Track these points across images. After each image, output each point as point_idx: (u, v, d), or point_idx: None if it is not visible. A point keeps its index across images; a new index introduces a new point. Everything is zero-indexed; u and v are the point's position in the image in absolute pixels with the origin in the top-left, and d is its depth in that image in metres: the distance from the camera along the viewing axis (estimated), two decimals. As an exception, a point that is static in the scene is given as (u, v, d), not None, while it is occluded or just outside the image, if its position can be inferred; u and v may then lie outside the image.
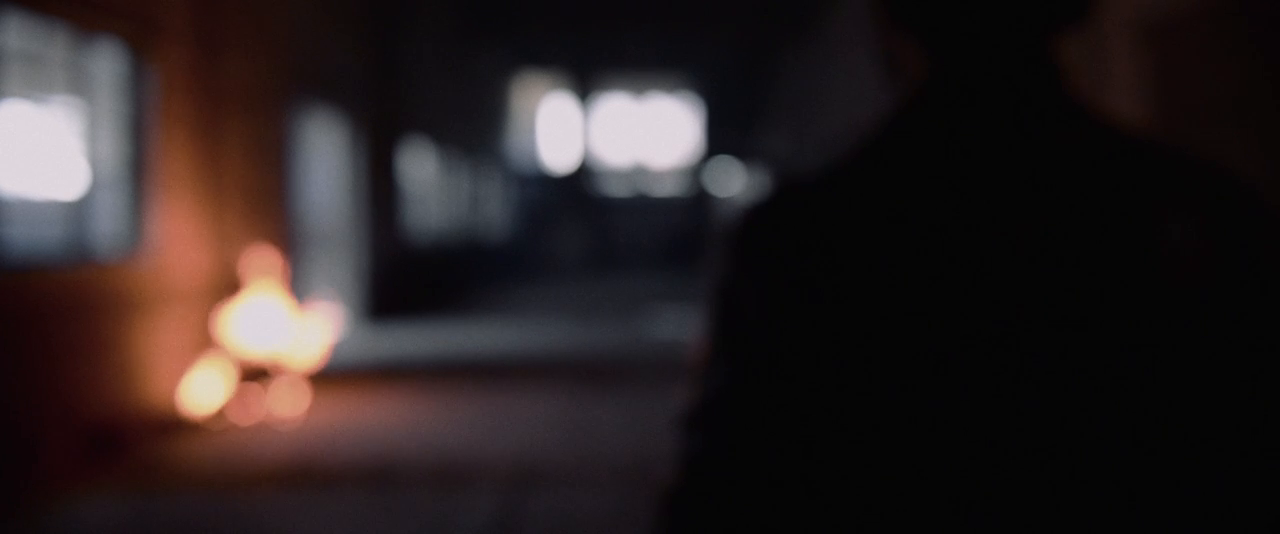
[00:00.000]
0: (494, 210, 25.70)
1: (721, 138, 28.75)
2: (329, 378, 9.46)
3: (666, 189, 32.10)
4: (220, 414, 7.98)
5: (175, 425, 7.58)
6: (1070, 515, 0.91)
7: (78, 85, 7.10)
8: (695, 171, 29.71)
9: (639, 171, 32.59)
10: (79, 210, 7.11)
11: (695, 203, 29.99)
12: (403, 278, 15.30)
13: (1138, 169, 0.96)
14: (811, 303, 0.94)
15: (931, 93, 1.00)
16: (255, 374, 8.32)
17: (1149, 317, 0.91)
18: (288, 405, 8.25)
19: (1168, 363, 0.92)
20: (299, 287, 10.96)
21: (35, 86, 6.83)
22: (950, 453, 0.92)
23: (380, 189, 14.16)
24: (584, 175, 28.13)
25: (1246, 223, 0.95)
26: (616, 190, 31.59)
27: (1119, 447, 0.92)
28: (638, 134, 32.81)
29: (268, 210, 10.00)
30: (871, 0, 1.06)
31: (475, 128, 22.44)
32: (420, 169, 17.23)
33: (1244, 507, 0.93)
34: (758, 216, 1.00)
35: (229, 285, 8.74)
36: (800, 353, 0.95)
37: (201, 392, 8.04)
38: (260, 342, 8.49)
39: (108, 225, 7.43)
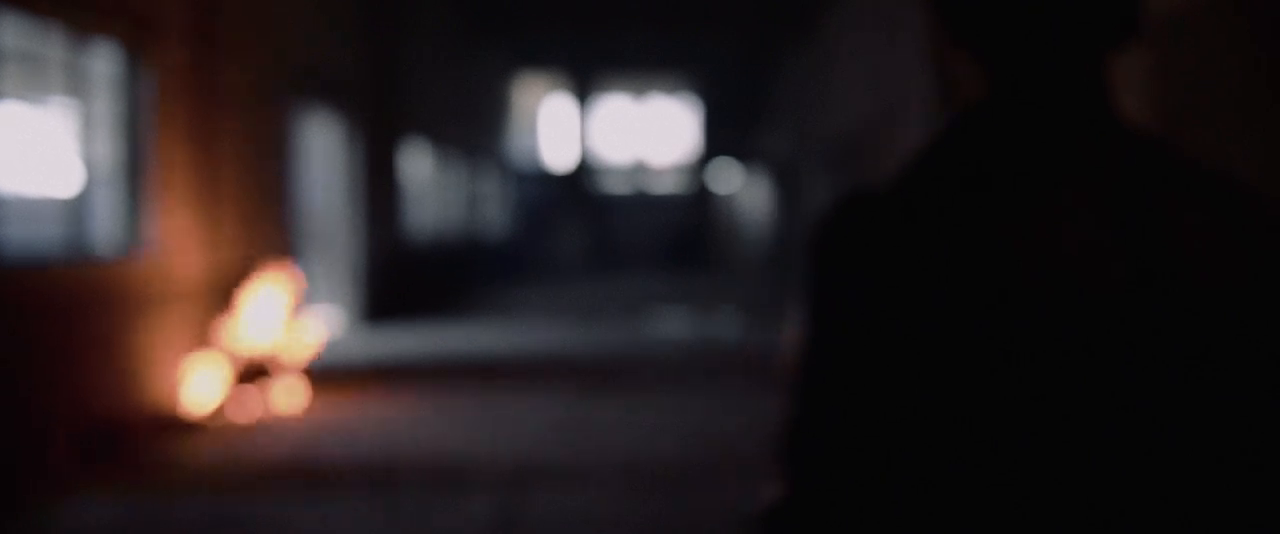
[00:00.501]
0: (493, 210, 25.68)
1: (721, 138, 28.74)
2: (328, 378, 9.45)
3: (666, 188, 32.09)
4: (219, 413, 7.98)
5: (174, 424, 7.57)
6: (1132, 508, 0.97)
7: (75, 85, 7.09)
8: (695, 171, 29.69)
9: (639, 171, 32.57)
10: (76, 209, 7.10)
11: (695, 202, 29.98)
12: (401, 278, 15.29)
13: (1182, 183, 1.01)
14: (896, 302, 0.99)
15: (994, 110, 1.05)
16: (253, 373, 8.31)
17: (1200, 324, 0.98)
18: (286, 404, 8.24)
19: (1215, 367, 0.99)
20: (297, 286, 10.94)
21: (33, 87, 6.81)
22: (1033, 452, 0.97)
23: (379, 189, 14.16)
24: (584, 175, 28.12)
25: (1263, 226, 1.01)
26: (616, 190, 31.58)
27: (1173, 447, 0.98)
28: (638, 134, 32.81)
29: (265, 210, 9.99)
30: (931, 21, 1.11)
31: (475, 128, 22.43)
32: (419, 169, 17.22)
33: (1266, 503, 1.00)
34: (842, 221, 1.04)
35: (227, 284, 8.73)
36: (892, 360, 1.00)
37: (200, 390, 8.02)
38: (258, 340, 8.48)
39: (105, 224, 7.42)
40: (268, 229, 10.00)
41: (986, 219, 0.99)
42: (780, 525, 1.02)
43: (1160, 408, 0.98)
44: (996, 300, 0.97)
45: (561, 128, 30.14)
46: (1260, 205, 1.03)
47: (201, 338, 8.34)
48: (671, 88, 32.41)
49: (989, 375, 0.97)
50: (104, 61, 7.38)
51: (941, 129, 1.08)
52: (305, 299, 12.40)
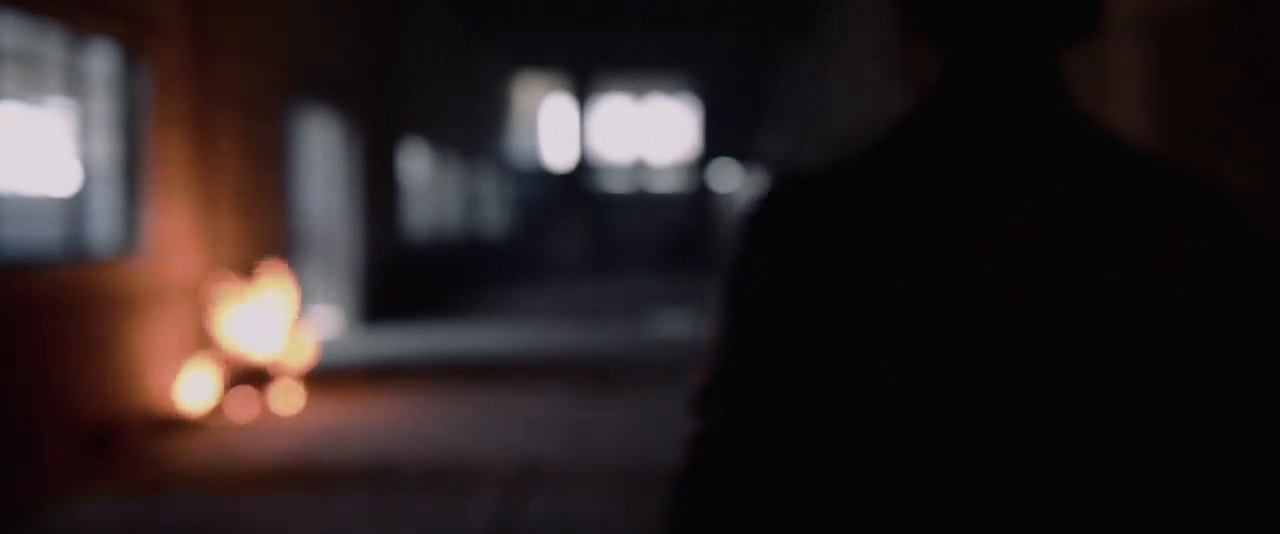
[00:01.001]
0: (492, 211, 25.65)
1: (721, 138, 28.71)
2: (327, 378, 9.42)
3: (666, 188, 32.02)
4: (216, 413, 7.95)
5: (171, 424, 7.54)
6: (1060, 507, 0.95)
7: (73, 85, 7.07)
8: (695, 171, 29.65)
9: (639, 171, 32.52)
10: (74, 209, 7.08)
11: (695, 203, 29.94)
12: (400, 279, 15.26)
13: (1135, 179, 0.99)
14: (818, 290, 0.97)
15: (942, 98, 1.03)
16: (251, 373, 8.28)
17: (1144, 323, 0.95)
18: (283, 405, 8.21)
19: (1160, 367, 0.95)
20: (295, 287, 10.93)
21: (31, 87, 6.79)
22: (948, 443, 0.95)
23: (378, 189, 14.13)
24: (583, 176, 28.07)
25: (1237, 235, 0.98)
26: (616, 191, 31.52)
27: (1112, 447, 0.95)
28: (638, 134, 32.77)
29: (263, 210, 9.97)
30: (893, 8, 1.10)
31: (474, 128, 22.40)
32: (418, 169, 17.20)
33: (1235, 507, 0.96)
34: (771, 204, 1.03)
35: (225, 284, 8.70)
36: (805, 339, 0.98)
37: (197, 390, 8.00)
38: (256, 341, 8.46)
39: (103, 224, 7.40)
40: (265, 230, 9.98)
41: (919, 210, 0.97)
42: (689, 483, 1.01)
43: (1095, 408, 0.95)
44: (926, 285, 0.95)
45: (561, 128, 30.10)
46: (1224, 203, 1.00)
47: (199, 338, 8.32)
48: (671, 88, 32.37)
49: (906, 371, 0.95)
50: (101, 61, 7.36)
51: (895, 116, 1.06)
52: (303, 299, 12.38)
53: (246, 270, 8.91)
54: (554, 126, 30.89)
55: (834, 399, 0.98)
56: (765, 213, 1.03)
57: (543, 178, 30.15)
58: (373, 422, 7.71)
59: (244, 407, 8.08)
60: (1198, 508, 0.97)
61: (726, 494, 0.99)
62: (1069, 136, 1.00)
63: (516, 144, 29.44)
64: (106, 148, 7.47)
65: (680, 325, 14.25)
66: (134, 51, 7.56)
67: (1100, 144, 1.01)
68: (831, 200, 1.00)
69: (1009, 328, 0.95)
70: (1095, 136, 1.01)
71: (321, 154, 12.93)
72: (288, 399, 8.38)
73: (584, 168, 28.18)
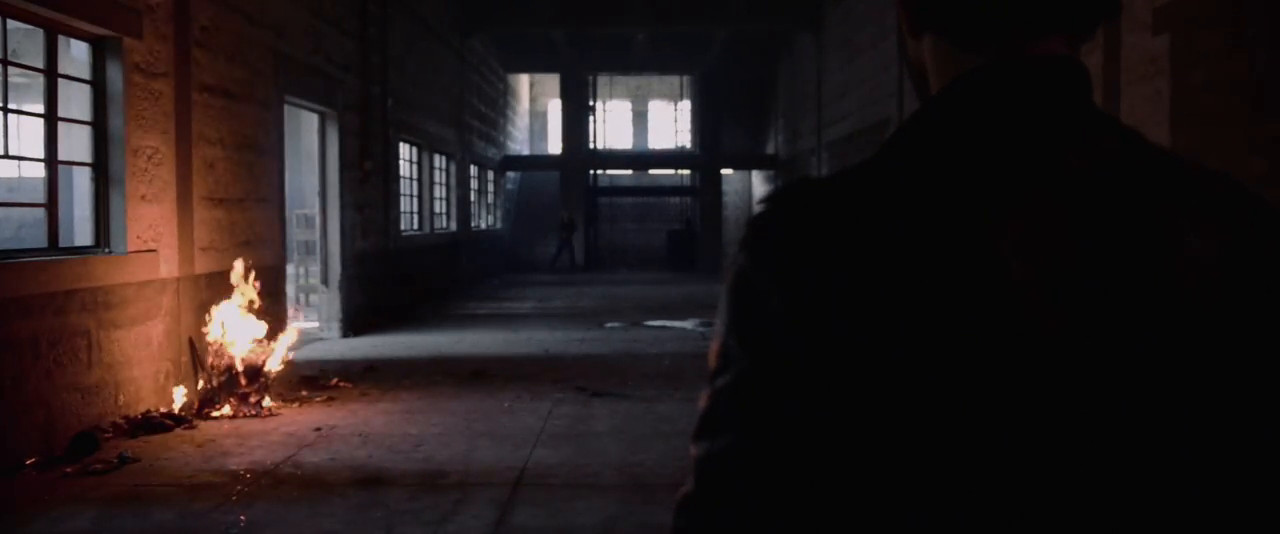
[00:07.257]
0: (488, 211, 25.54)
1: (722, 139, 28.55)
2: (313, 381, 9.21)
3: (666, 189, 31.89)
4: (199, 414, 7.74)
5: (153, 425, 7.31)
6: (1085, 517, 0.90)
7: (51, 78, 6.90)
8: (695, 172, 29.50)
9: (639, 172, 32.40)
10: (51, 205, 6.92)
11: (695, 203, 29.80)
12: (390, 279, 15.06)
13: (1157, 179, 0.95)
14: (836, 305, 0.91)
15: (954, 98, 0.98)
16: (235, 374, 8.06)
17: (1167, 325, 0.91)
18: (267, 407, 7.99)
19: (1185, 371, 0.91)
20: (280, 287, 10.75)
21: (11, 82, 6.62)
22: (961, 453, 0.90)
23: (368, 188, 13.91)
24: (582, 176, 27.88)
25: (1262, 236, 0.95)
26: (614, 192, 31.38)
27: (1138, 452, 0.90)
28: (638, 134, 32.67)
29: (248, 207, 9.77)
30: (899, 8, 1.05)
31: (471, 128, 22.26)
32: (411, 169, 17.03)
33: (1262, 512, 0.93)
34: (780, 213, 0.96)
35: (207, 283, 8.51)
36: (822, 358, 0.92)
37: (180, 391, 7.82)
38: (240, 340, 8.24)
39: (80, 221, 7.24)
40: (251, 226, 9.78)
41: (941, 214, 0.91)
42: (697, 508, 0.96)
43: (1129, 417, 0.90)
44: (947, 303, 0.89)
45: (560, 129, 29.98)
46: (1252, 204, 0.96)
47: (180, 338, 8.12)
48: (672, 90, 32.24)
49: (932, 384, 0.89)
50: (80, 53, 7.20)
51: (905, 122, 0.99)
52: (290, 298, 12.19)
53: (230, 268, 8.70)
54: (553, 127, 30.71)
55: (854, 419, 0.92)
56: (774, 223, 0.96)
57: (541, 179, 30.00)
58: (360, 425, 7.49)
59: (227, 409, 7.85)
60: (1232, 516, 0.93)
61: (739, 523, 0.94)
62: (1089, 134, 0.96)
63: (514, 144, 29.30)
64: (84, 143, 7.30)
65: (679, 327, 14.08)
66: (114, 43, 7.36)
67: (1126, 142, 0.97)
68: (846, 208, 0.93)
69: (1039, 335, 0.89)
70: (1120, 134, 0.97)
71: (309, 151, 12.73)
72: (272, 401, 8.16)
73: (583, 169, 27.95)
